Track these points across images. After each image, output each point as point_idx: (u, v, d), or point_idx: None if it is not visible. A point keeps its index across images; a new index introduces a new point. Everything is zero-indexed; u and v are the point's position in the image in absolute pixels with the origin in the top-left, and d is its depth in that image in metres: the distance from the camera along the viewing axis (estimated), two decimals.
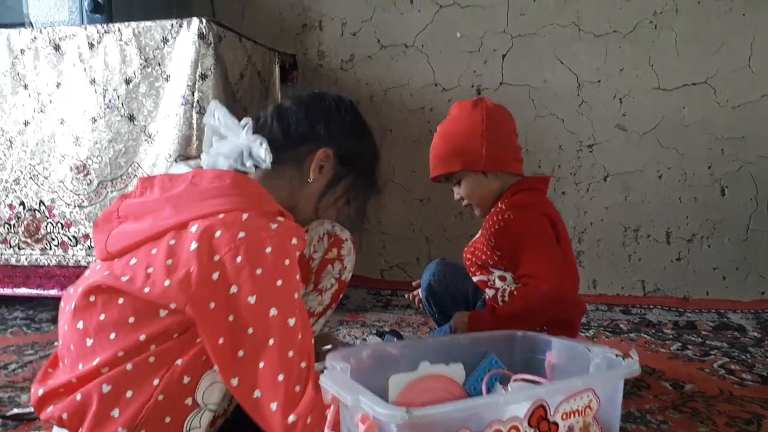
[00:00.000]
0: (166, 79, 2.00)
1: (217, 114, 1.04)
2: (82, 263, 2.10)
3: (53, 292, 2.10)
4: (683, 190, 2.32)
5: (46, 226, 2.13)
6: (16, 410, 1.24)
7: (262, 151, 0.99)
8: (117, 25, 2.04)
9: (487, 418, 0.77)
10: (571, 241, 1.58)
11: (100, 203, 2.07)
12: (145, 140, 2.02)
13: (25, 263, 2.14)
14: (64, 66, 2.08)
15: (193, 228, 0.87)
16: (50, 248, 2.12)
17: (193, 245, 0.85)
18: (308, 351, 0.86)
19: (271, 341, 0.83)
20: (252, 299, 0.83)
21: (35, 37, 2.10)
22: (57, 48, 2.09)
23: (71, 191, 2.09)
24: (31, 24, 2.19)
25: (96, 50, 2.05)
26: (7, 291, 2.14)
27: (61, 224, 2.11)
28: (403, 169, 2.62)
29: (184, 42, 1.98)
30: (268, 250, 0.85)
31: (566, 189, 2.46)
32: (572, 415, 0.82)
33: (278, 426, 0.82)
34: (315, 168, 1.06)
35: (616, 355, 0.91)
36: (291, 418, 0.81)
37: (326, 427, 0.82)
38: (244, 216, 0.88)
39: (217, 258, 0.84)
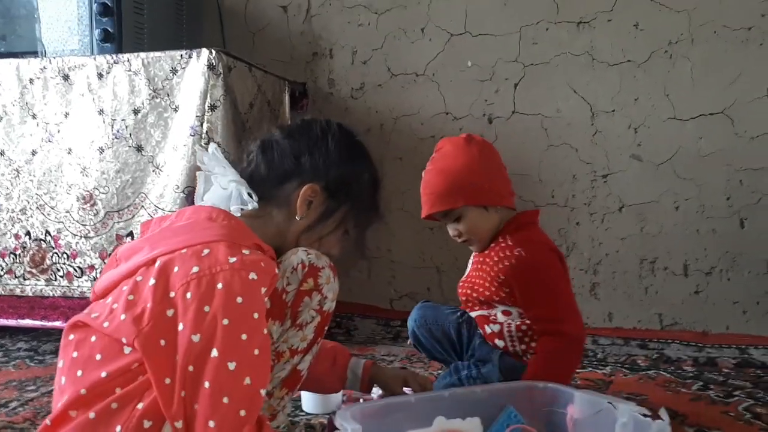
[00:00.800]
0: (175, 110, 1.98)
1: (206, 159, 1.02)
2: (87, 294, 2.07)
3: (58, 323, 2.06)
4: (701, 222, 2.26)
5: (52, 257, 2.10)
6: None
7: (244, 194, 0.97)
8: (126, 55, 2.03)
9: None
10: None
11: (106, 234, 2.04)
12: (153, 171, 2.00)
13: (30, 294, 2.11)
14: (73, 96, 2.07)
15: (157, 263, 0.85)
16: (55, 279, 2.09)
17: (151, 281, 0.83)
18: (250, 398, 0.80)
19: (206, 384, 0.78)
20: (196, 338, 0.80)
21: (44, 67, 2.10)
22: (66, 78, 2.08)
23: (77, 221, 2.06)
24: (44, 52, 2.18)
25: (105, 80, 2.04)
26: (11, 322, 2.11)
27: (67, 254, 2.08)
28: (413, 197, 2.54)
29: (193, 73, 1.96)
30: (219, 286, 0.81)
31: (580, 219, 2.41)
32: None
33: None
34: (302, 205, 1.02)
35: (644, 415, 0.86)
36: None
37: None
38: (205, 251, 0.85)
39: (172, 294, 0.82)
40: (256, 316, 0.83)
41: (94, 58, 2.06)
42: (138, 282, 0.86)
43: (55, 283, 2.09)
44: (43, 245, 2.11)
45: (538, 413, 1.04)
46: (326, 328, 1.04)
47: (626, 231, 2.35)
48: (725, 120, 2.23)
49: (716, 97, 2.23)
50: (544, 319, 1.36)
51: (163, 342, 0.81)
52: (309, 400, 1.51)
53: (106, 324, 0.84)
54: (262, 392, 0.82)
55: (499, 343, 1.47)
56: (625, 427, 0.88)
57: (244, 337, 0.81)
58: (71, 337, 0.88)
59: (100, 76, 2.05)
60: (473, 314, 1.55)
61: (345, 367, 1.29)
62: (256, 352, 0.82)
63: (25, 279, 2.12)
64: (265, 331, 0.85)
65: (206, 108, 1.94)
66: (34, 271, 2.12)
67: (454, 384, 1.45)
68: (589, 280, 2.41)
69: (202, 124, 1.94)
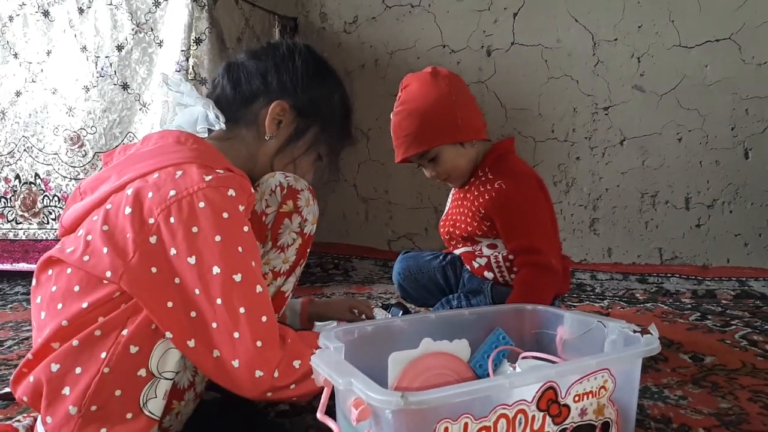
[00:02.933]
0: (159, 45, 1.92)
1: (174, 85, 0.98)
2: None
3: None
4: (704, 154, 2.21)
5: (43, 200, 2.08)
6: (7, 389, 1.20)
7: (211, 114, 0.93)
8: None
9: (491, 401, 0.70)
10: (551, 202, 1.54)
11: (92, 175, 2.01)
12: (140, 109, 1.95)
13: (24, 237, 2.10)
14: (54, 33, 2.01)
15: (129, 190, 0.82)
16: (48, 222, 2.07)
17: (127, 210, 0.80)
18: (264, 305, 0.82)
19: (218, 301, 0.78)
20: (192, 260, 0.78)
21: (24, 3, 2.03)
22: (46, 14, 2.01)
23: (66, 163, 2.03)
24: None
25: (86, 15, 1.97)
26: (6, 266, 2.11)
27: (58, 197, 2.06)
28: None
29: (176, 5, 1.89)
30: (201, 205, 0.79)
31: (581, 154, 2.36)
32: (585, 397, 0.75)
33: (245, 382, 0.79)
34: (270, 124, 0.99)
35: (634, 331, 0.84)
36: (257, 373, 0.78)
37: (318, 411, 0.76)
38: (178, 173, 0.82)
39: (151, 221, 0.80)
40: (245, 229, 0.82)
41: None
42: (108, 210, 0.83)
43: (48, 226, 2.08)
44: (34, 188, 2.09)
45: (527, 335, 1.02)
46: (308, 250, 1.02)
47: (627, 165, 2.30)
48: (732, 46, 2.14)
49: (723, 22, 2.14)
50: (521, 250, 1.33)
51: (154, 269, 0.79)
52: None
53: (86, 258, 0.80)
54: (269, 295, 0.83)
55: (488, 275, 1.46)
56: (614, 344, 0.86)
57: (240, 249, 0.80)
58: (50, 272, 0.86)
59: (81, 11, 1.97)
60: (458, 251, 1.53)
61: None
62: (254, 263, 0.82)
63: (17, 223, 2.11)
64: (257, 244, 0.85)
65: (191, 42, 1.88)
66: (26, 214, 2.11)
67: None
68: (589, 216, 2.38)
69: (188, 59, 1.88)
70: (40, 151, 2.06)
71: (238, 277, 0.79)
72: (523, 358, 0.92)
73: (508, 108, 2.42)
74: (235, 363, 0.78)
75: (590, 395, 0.75)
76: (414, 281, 1.61)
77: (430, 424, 0.67)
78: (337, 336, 0.87)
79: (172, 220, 0.79)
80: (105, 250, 0.80)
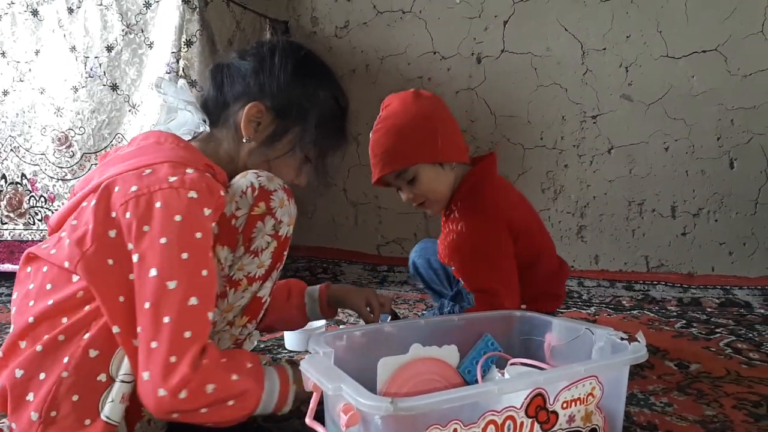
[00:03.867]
0: (150, 46, 1.91)
1: (168, 90, 0.97)
2: None
3: None
4: (690, 163, 2.23)
5: (29, 200, 2.06)
6: None
7: (196, 116, 0.93)
8: None
9: (480, 407, 0.70)
10: (538, 214, 1.51)
11: (83, 176, 1.99)
12: (129, 110, 1.94)
13: (9, 238, 2.08)
14: (43, 32, 1.99)
15: (101, 187, 0.83)
16: (33, 223, 2.05)
17: (93, 202, 0.81)
18: (193, 320, 0.77)
19: (146, 305, 0.76)
20: (135, 257, 0.77)
21: (12, 2, 2.01)
22: (35, 13, 1.99)
23: (54, 164, 2.01)
24: None
25: (76, 15, 1.95)
26: None
27: (45, 198, 2.04)
28: None
29: (167, 6, 1.88)
30: (158, 205, 0.78)
31: (569, 161, 2.38)
32: (573, 404, 0.75)
33: (149, 398, 0.75)
34: (247, 126, 0.96)
35: (621, 338, 0.85)
36: (160, 391, 0.73)
37: (306, 416, 0.75)
38: (147, 171, 0.82)
39: (113, 215, 0.80)
40: (198, 235, 0.79)
41: None
42: (83, 208, 0.84)
43: (34, 227, 2.05)
44: (20, 189, 2.06)
45: (516, 341, 1.03)
46: (285, 253, 0.97)
47: (615, 173, 2.32)
48: (718, 57, 2.17)
49: (710, 34, 2.17)
50: (476, 290, 1.28)
51: (110, 261, 0.78)
52: (291, 338, 1.50)
53: (53, 251, 0.82)
54: (210, 315, 0.79)
55: None
56: (602, 351, 0.87)
57: (184, 256, 0.77)
58: (28, 270, 0.86)
59: (70, 10, 1.96)
60: (451, 269, 1.51)
61: (301, 294, 1.24)
62: (204, 273, 0.79)
63: (2, 223, 2.08)
64: (211, 254, 0.81)
65: (182, 44, 1.87)
66: (11, 215, 2.08)
67: None
68: (576, 223, 2.39)
69: (178, 61, 1.87)
70: (27, 151, 2.04)
71: (172, 284, 0.76)
72: (512, 364, 0.93)
73: (498, 115, 2.44)
74: (145, 375, 0.74)
75: (578, 402, 0.76)
76: (427, 262, 1.61)
77: (419, 430, 0.67)
78: (326, 341, 0.88)
79: (128, 215, 0.79)
80: (67, 241, 0.80)
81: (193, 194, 0.80)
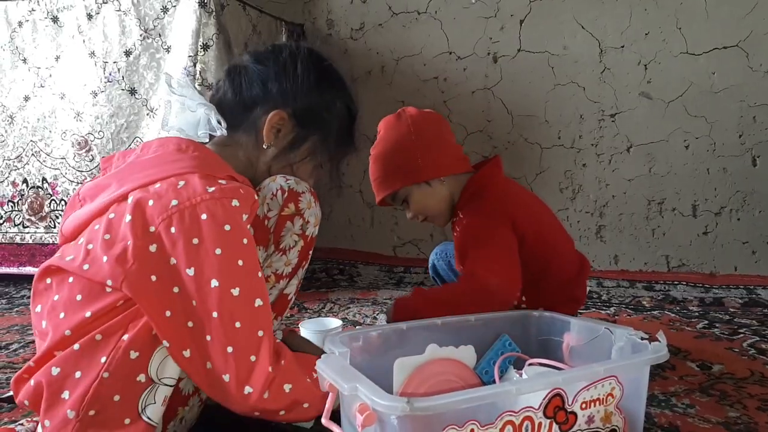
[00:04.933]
0: (167, 50, 1.93)
1: (175, 84, 0.98)
2: None
3: None
4: (712, 161, 2.20)
5: (50, 204, 2.09)
6: (9, 393, 1.20)
7: (213, 119, 0.93)
8: None
9: (497, 407, 0.69)
10: (553, 214, 1.46)
11: (91, 182, 2.02)
12: (147, 114, 1.96)
13: (30, 241, 2.11)
14: (63, 38, 2.02)
15: (130, 199, 0.82)
16: (54, 226, 2.08)
17: (127, 218, 0.80)
18: (262, 319, 0.81)
19: (214, 314, 0.78)
20: (191, 271, 0.78)
21: (33, 9, 2.04)
22: (55, 20, 2.03)
23: (74, 168, 2.04)
24: None
25: (95, 21, 1.98)
26: (13, 270, 2.11)
27: (65, 201, 2.07)
28: None
29: (184, 11, 1.90)
30: (204, 217, 0.79)
31: (587, 161, 2.35)
32: (593, 404, 0.74)
33: (235, 397, 0.79)
34: (269, 133, 0.98)
35: (641, 338, 0.83)
36: (246, 389, 0.78)
37: (323, 416, 0.75)
38: (180, 183, 0.82)
39: (152, 230, 0.79)
40: (245, 241, 0.81)
41: None
42: (111, 220, 0.83)
43: (54, 230, 2.08)
44: (41, 192, 2.09)
45: (534, 341, 1.01)
46: (310, 252, 1.01)
47: (634, 172, 2.29)
48: (740, 53, 2.13)
49: (731, 29, 2.13)
50: (471, 272, 1.24)
51: (154, 278, 0.79)
52: (308, 338, 1.50)
53: (86, 267, 0.80)
54: (270, 310, 0.82)
55: None
56: (621, 351, 0.86)
57: (240, 263, 0.80)
58: (48, 281, 0.86)
59: (89, 17, 1.99)
60: None
61: None
62: (259, 274, 0.83)
63: (24, 227, 2.12)
64: (257, 256, 0.84)
65: (199, 47, 1.89)
66: (33, 218, 2.11)
67: None
68: (595, 223, 2.36)
69: (195, 65, 1.89)
70: (48, 155, 2.07)
71: (236, 291, 0.79)
72: (530, 364, 0.91)
73: (515, 114, 2.42)
74: (226, 377, 0.78)
75: (598, 402, 0.74)
76: (447, 264, 1.62)
77: (435, 431, 0.66)
78: (342, 341, 0.87)
79: (173, 230, 0.79)
80: (105, 258, 0.80)
81: (236, 202, 0.82)
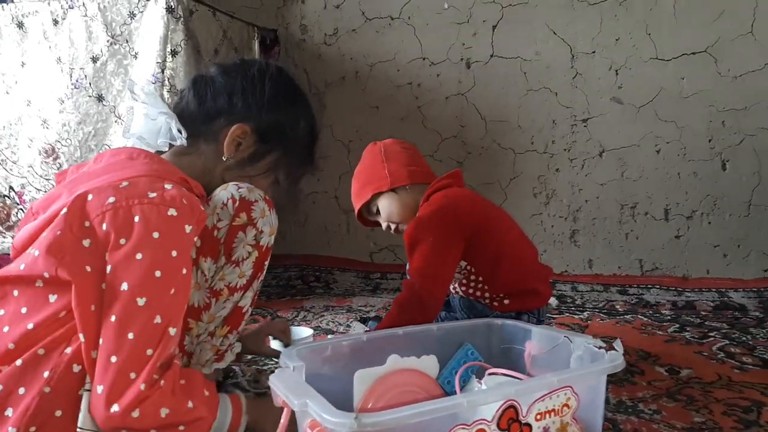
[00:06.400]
0: (135, 57, 1.90)
1: (137, 90, 0.96)
2: None
3: None
4: (682, 165, 2.22)
5: (17, 213, 2.04)
6: None
7: (174, 128, 0.92)
8: None
9: (450, 420, 0.69)
10: (512, 218, 1.53)
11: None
12: (115, 121, 1.93)
13: None
14: (28, 44, 1.98)
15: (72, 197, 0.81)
16: (14, 238, 2.03)
17: (63, 210, 0.79)
18: (158, 337, 0.77)
19: (112, 318, 0.75)
20: (108, 269, 0.77)
21: None
22: (20, 25, 1.99)
23: (41, 176, 2.00)
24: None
25: (60, 27, 1.95)
26: None
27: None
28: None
29: (152, 17, 1.88)
30: (136, 219, 0.78)
31: (560, 166, 2.36)
32: (548, 415, 0.74)
33: (98, 413, 0.74)
34: (230, 145, 0.97)
35: (599, 347, 0.83)
36: (114, 407, 0.73)
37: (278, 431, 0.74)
38: (124, 183, 0.81)
39: (87, 224, 0.78)
40: (174, 254, 0.79)
41: (48, 3, 1.96)
42: (53, 225, 0.81)
43: None
44: (8, 201, 2.05)
45: (496, 350, 1.01)
46: (266, 263, 0.99)
47: (606, 176, 2.31)
48: (708, 59, 2.16)
49: (699, 35, 2.16)
50: (411, 270, 1.34)
51: (88, 268, 0.77)
52: (276, 348, 1.48)
53: (22, 266, 0.80)
54: (172, 331, 0.79)
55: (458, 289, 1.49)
56: (580, 360, 0.85)
57: (158, 274, 0.77)
58: None
59: (55, 22, 1.96)
60: None
61: None
62: (172, 291, 0.79)
63: None
64: (184, 271, 0.81)
65: (167, 54, 1.86)
66: (0, 228, 2.07)
67: None
68: (569, 227, 2.37)
69: (163, 71, 1.86)
70: (14, 163, 2.03)
71: (141, 301, 0.76)
72: (490, 374, 0.91)
73: (488, 120, 2.43)
74: (99, 389, 0.74)
75: (553, 413, 0.74)
76: None
77: None
78: (299, 354, 0.86)
79: (104, 226, 0.78)
80: (36, 252, 0.78)
81: (173, 211, 0.79)
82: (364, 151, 1.58)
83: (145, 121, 0.95)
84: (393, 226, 1.52)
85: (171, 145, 0.97)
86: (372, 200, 1.50)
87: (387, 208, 1.49)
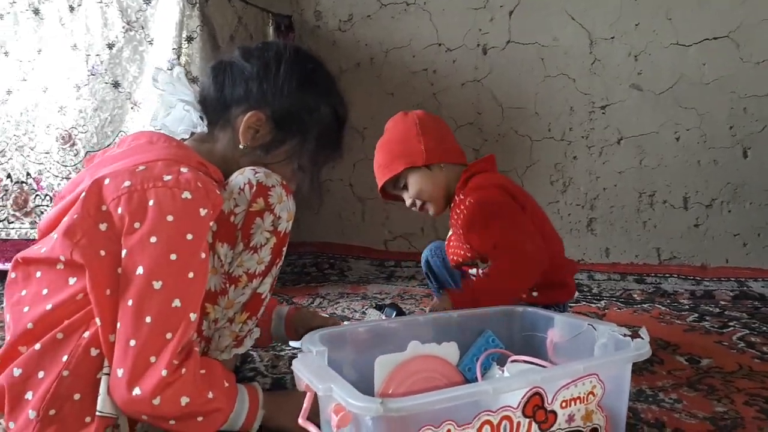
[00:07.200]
0: (150, 43, 1.90)
1: (161, 78, 0.96)
2: None
3: None
4: (702, 153, 2.19)
5: (35, 199, 2.06)
6: None
7: (194, 116, 0.91)
8: None
9: (475, 407, 0.68)
10: (541, 208, 1.50)
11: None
12: (131, 108, 1.93)
13: (16, 237, 2.08)
14: (45, 31, 1.99)
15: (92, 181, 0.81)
16: (40, 221, 2.05)
17: (82, 195, 0.79)
18: (175, 322, 0.76)
19: (129, 302, 0.75)
20: (123, 252, 0.77)
21: (14, 1, 2.01)
22: (36, 12, 1.99)
23: (58, 162, 2.01)
24: None
25: (76, 13, 1.95)
26: None
27: (50, 197, 2.04)
28: None
29: (167, 3, 1.87)
30: (151, 203, 0.78)
31: (577, 153, 2.34)
32: (573, 403, 0.73)
33: (119, 395, 0.75)
34: (245, 133, 0.95)
35: (624, 335, 0.82)
36: (135, 390, 0.73)
37: (300, 416, 0.74)
38: (141, 167, 0.81)
39: (103, 208, 0.79)
40: (189, 237, 0.78)
41: None
42: (73, 209, 0.82)
43: None
44: (25, 187, 2.07)
45: (517, 337, 1.00)
46: (284, 249, 0.97)
47: (625, 164, 2.28)
48: (730, 44, 2.12)
49: (721, 20, 2.12)
50: (502, 246, 1.28)
51: (103, 252, 0.78)
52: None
53: (43, 250, 0.81)
54: (192, 317, 0.78)
55: None
56: (604, 348, 0.84)
57: (173, 257, 0.77)
58: (13, 275, 0.84)
59: (71, 8, 1.96)
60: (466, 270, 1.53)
61: (270, 311, 1.24)
62: (191, 275, 0.78)
63: (9, 222, 2.09)
64: (203, 255, 0.80)
65: (183, 40, 1.86)
66: (17, 214, 2.09)
67: None
68: (586, 215, 2.35)
69: (179, 57, 1.86)
70: (32, 150, 2.05)
71: (157, 285, 0.76)
72: (512, 361, 0.90)
73: (505, 107, 2.40)
74: (119, 372, 0.74)
75: (578, 401, 0.73)
76: (442, 260, 1.64)
77: (411, 431, 0.65)
78: (321, 339, 0.86)
79: (120, 210, 0.78)
80: (55, 236, 0.79)
81: (187, 195, 0.79)
82: (391, 121, 1.50)
83: (167, 109, 0.95)
84: (419, 204, 1.46)
85: (193, 133, 0.97)
86: (401, 174, 1.42)
87: (417, 184, 1.42)
